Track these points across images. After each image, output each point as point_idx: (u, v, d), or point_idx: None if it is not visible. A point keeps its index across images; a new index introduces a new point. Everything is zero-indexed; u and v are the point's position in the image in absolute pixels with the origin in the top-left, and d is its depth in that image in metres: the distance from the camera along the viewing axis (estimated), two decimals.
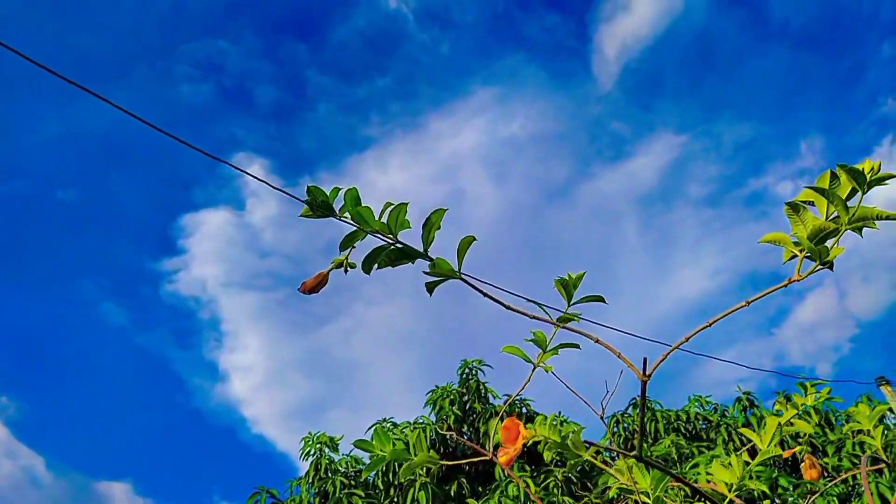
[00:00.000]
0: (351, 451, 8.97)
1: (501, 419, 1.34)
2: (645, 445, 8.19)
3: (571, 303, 1.16)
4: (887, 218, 0.90)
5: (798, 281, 0.88)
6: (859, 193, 0.80)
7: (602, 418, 1.76)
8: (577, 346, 1.24)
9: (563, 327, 1.19)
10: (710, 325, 1.06)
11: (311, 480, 8.55)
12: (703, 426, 8.92)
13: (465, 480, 8.17)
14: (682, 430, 8.92)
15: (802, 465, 1.97)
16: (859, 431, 1.85)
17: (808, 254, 0.85)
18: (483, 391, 9.34)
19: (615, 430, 8.14)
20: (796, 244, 0.86)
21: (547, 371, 1.32)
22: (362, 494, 7.94)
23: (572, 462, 1.36)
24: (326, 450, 8.87)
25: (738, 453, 1.50)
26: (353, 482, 8.40)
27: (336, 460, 8.82)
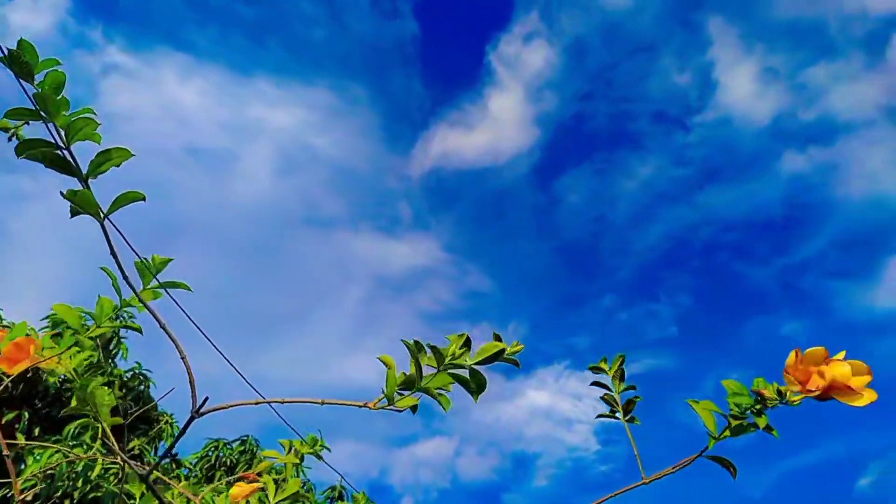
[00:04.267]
0: None
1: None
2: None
3: (149, 285, 1.11)
4: (479, 363, 1.04)
5: (370, 408, 0.97)
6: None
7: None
8: (135, 328, 1.17)
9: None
10: (291, 402, 1.10)
11: None
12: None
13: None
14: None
15: None
16: None
17: (384, 391, 0.95)
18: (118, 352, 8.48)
19: (209, 452, 7.89)
20: (396, 378, 0.96)
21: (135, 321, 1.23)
22: None
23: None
24: None
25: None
26: None
27: None
